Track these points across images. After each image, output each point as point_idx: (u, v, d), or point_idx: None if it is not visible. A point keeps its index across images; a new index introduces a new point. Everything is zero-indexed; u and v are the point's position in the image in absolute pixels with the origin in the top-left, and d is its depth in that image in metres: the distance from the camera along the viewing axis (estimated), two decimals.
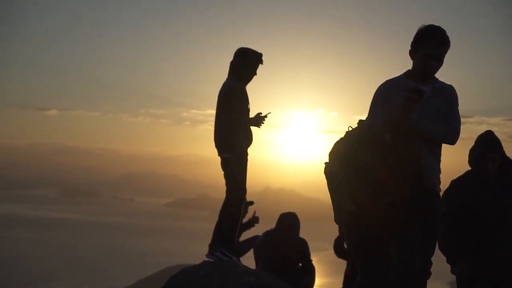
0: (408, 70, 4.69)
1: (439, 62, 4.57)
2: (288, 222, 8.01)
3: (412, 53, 4.63)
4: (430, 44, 4.51)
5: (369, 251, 5.36)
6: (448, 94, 4.66)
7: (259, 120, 6.57)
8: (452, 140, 4.57)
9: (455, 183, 5.47)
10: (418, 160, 4.48)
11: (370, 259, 5.43)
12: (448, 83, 4.71)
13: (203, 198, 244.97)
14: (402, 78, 4.65)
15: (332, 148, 5.95)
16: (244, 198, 6.63)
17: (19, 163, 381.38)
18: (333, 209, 5.58)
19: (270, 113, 6.63)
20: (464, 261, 5.36)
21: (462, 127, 4.66)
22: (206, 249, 6.59)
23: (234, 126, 6.48)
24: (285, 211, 8.27)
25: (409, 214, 4.47)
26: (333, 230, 7.43)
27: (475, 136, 5.68)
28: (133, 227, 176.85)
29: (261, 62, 6.62)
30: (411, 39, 4.66)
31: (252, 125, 6.60)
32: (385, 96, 4.59)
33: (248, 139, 6.58)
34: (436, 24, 4.62)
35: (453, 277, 5.69)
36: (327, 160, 5.71)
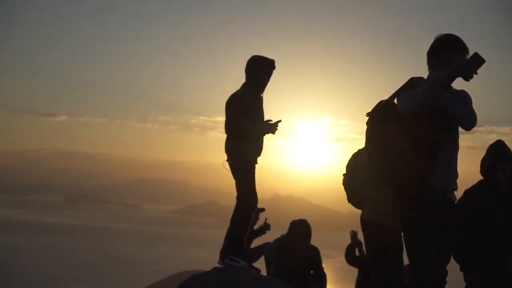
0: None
1: None
2: (300, 229, 8.01)
3: (431, 61, 4.68)
4: (448, 54, 4.58)
5: (384, 253, 5.42)
6: (463, 97, 4.76)
7: (273, 127, 6.60)
8: (471, 124, 4.66)
9: (467, 193, 5.46)
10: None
11: (383, 260, 5.49)
12: (459, 90, 4.79)
13: (211, 205, 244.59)
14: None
15: (349, 160, 6.05)
16: (254, 205, 6.63)
17: (25, 168, 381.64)
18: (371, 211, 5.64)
19: (280, 121, 6.67)
20: (477, 269, 5.35)
21: (471, 136, 4.82)
22: (213, 256, 6.60)
23: (237, 134, 6.51)
24: (294, 218, 8.27)
25: (421, 217, 4.50)
26: (340, 238, 7.49)
27: (484, 145, 5.71)
28: (140, 234, 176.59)
29: (273, 68, 6.63)
30: (422, 48, 4.72)
31: (266, 133, 6.62)
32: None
33: (254, 147, 6.59)
34: (448, 32, 4.69)
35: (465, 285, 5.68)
36: (344, 172, 5.80)
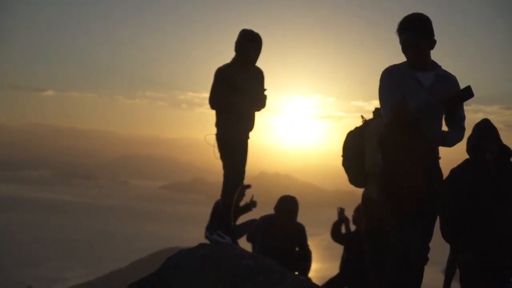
0: None
1: (415, 49, 4.48)
2: (289, 206, 8.04)
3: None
4: (402, 34, 4.49)
5: (378, 238, 5.41)
6: (454, 85, 4.62)
7: (260, 100, 6.51)
8: (459, 141, 4.72)
9: (455, 172, 5.35)
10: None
11: (377, 246, 5.48)
12: (451, 73, 4.63)
13: (199, 181, 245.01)
14: (404, 65, 4.59)
15: (345, 141, 5.96)
16: (235, 180, 6.50)
17: (14, 144, 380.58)
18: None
19: (265, 89, 6.57)
20: (468, 249, 5.31)
21: None
22: (200, 233, 6.57)
23: (219, 107, 6.45)
24: (280, 196, 8.28)
25: (415, 208, 4.52)
26: (326, 216, 7.50)
27: (471, 124, 5.64)
28: (128, 210, 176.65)
29: (256, 41, 6.46)
30: None
31: (255, 108, 6.54)
32: (392, 83, 4.53)
33: (240, 122, 6.47)
34: (433, 14, 4.63)
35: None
36: (341, 153, 5.72)
